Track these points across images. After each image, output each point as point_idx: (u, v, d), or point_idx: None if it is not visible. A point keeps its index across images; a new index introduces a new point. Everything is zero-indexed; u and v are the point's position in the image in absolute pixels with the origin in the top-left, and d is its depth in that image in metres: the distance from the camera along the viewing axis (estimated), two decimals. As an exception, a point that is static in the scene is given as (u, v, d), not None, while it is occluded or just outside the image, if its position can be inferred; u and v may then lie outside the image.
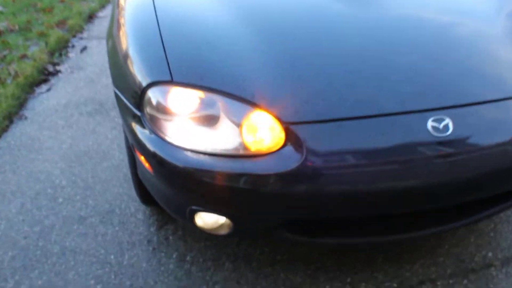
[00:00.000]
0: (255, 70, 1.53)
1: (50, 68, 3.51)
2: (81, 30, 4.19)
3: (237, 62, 1.56)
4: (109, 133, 2.79)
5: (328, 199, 1.44)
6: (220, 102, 1.46)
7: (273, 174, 1.41)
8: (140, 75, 1.57)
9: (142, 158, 1.63)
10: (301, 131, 1.42)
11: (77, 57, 3.75)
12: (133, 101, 1.60)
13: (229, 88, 1.48)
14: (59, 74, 3.48)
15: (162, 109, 1.50)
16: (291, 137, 1.43)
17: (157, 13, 1.76)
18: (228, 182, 1.44)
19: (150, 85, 1.53)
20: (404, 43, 1.69)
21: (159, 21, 1.70)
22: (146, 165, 1.61)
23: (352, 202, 1.45)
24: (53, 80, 3.40)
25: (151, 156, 1.51)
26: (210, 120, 1.48)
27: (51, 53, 3.71)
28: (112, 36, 1.93)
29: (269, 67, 1.54)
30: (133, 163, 1.92)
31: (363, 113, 1.45)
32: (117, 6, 2.05)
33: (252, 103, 1.45)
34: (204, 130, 1.47)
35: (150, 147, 1.52)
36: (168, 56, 1.56)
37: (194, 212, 1.59)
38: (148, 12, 1.78)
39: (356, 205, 1.47)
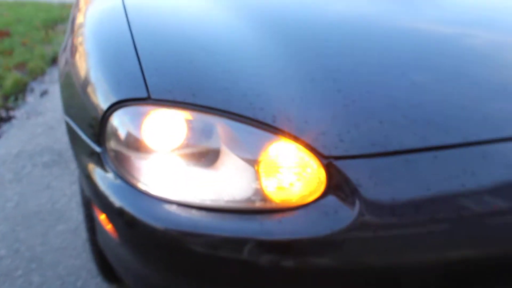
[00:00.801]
0: (275, 83, 1.04)
1: (3, 114, 2.98)
2: (42, 73, 3.70)
3: (247, 73, 1.06)
4: (68, 188, 2.25)
5: (406, 276, 0.93)
6: (221, 127, 0.96)
7: (309, 238, 0.89)
8: (103, 95, 1.06)
9: (102, 217, 1.09)
10: (353, 170, 0.91)
11: (36, 102, 3.24)
12: (91, 132, 1.08)
13: (236, 107, 0.98)
14: (13, 120, 2.95)
15: (133, 141, 1.00)
16: (336, 179, 0.92)
17: (129, 20, 1.27)
18: (238, 254, 0.92)
19: (116, 106, 1.02)
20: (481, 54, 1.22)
21: (132, 28, 1.22)
22: (108, 227, 1.07)
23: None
24: (4, 127, 2.86)
25: (116, 213, 0.99)
26: (207, 156, 0.96)
27: (6, 97, 3.19)
28: (65, 63, 1.41)
29: (295, 79, 1.05)
30: (92, 225, 1.36)
31: (444, 141, 0.96)
32: (71, 29, 1.54)
33: (273, 129, 0.95)
34: (199, 172, 0.96)
35: (114, 199, 1.00)
36: (143, 67, 1.06)
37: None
38: (117, 20, 1.29)
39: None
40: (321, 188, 0.94)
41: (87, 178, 1.10)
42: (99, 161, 1.06)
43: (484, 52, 1.24)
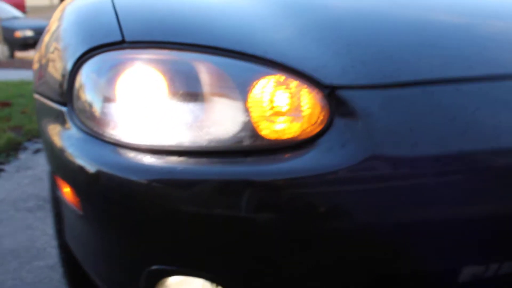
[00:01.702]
0: (268, 27, 0.93)
1: (-8, 167, 2.86)
2: (38, 135, 3.61)
3: (236, 18, 0.96)
4: (50, 229, 2.07)
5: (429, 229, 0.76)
6: (206, 65, 0.83)
7: (313, 176, 0.74)
8: (72, 49, 0.95)
9: (66, 189, 0.93)
10: (361, 100, 0.78)
11: (28, 158, 3.13)
12: (58, 93, 0.95)
13: (223, 43, 0.86)
14: (1, 173, 2.82)
15: (105, 90, 0.86)
16: (341, 112, 0.78)
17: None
18: (229, 207, 0.76)
19: (85, 58, 0.90)
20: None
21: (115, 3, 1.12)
22: (72, 199, 0.91)
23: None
24: (-9, 179, 2.72)
25: (80, 174, 0.83)
26: (190, 100, 0.83)
27: (-2, 154, 3.09)
28: (37, 50, 1.32)
29: (291, 27, 0.94)
30: (60, 227, 1.18)
31: (467, 73, 0.83)
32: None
33: (265, 61, 0.82)
34: (181, 113, 0.82)
35: (79, 153, 0.84)
36: (119, 15, 0.96)
37: (156, 277, 0.85)
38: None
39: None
40: (323, 121, 0.80)
41: (51, 145, 0.96)
42: (64, 121, 0.93)
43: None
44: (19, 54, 10.55)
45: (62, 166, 0.91)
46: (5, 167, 2.94)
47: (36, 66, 1.24)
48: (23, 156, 3.19)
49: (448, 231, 0.81)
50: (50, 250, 1.88)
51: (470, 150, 0.79)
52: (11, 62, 8.86)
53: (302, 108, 0.82)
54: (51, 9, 28.67)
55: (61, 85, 0.96)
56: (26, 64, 8.49)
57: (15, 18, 11.25)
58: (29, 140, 3.52)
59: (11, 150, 3.24)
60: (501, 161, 0.81)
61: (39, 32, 10.45)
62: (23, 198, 2.44)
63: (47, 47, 1.14)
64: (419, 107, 0.80)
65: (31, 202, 2.39)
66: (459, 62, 0.88)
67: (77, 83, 0.92)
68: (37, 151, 3.27)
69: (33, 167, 2.95)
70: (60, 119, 0.94)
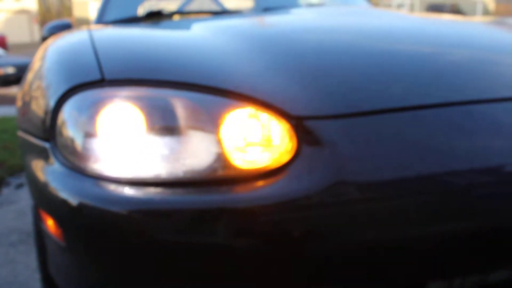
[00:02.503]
0: (238, 63, 0.99)
1: (-27, 203, 2.85)
2: (21, 170, 3.62)
3: (206, 57, 1.02)
4: (33, 263, 2.08)
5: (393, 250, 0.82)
6: (180, 101, 0.89)
7: (281, 203, 0.79)
8: (55, 87, 1.00)
9: (50, 222, 0.97)
10: (326, 130, 0.84)
11: (10, 193, 3.14)
12: (41, 129, 1.00)
13: (196, 79, 0.92)
14: (-17, 209, 2.82)
15: (86, 126, 0.91)
16: (307, 141, 0.84)
17: (95, 43, 1.23)
18: (206, 235, 0.81)
19: (67, 96, 0.96)
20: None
21: (95, 41, 1.18)
22: (55, 231, 0.95)
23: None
24: (-27, 215, 2.71)
25: (63, 206, 0.88)
26: (166, 134, 0.88)
27: (-21, 190, 3.09)
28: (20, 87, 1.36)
29: (259, 61, 1.00)
30: (44, 258, 1.21)
31: (425, 100, 0.90)
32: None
33: (236, 95, 0.88)
34: (159, 146, 0.88)
35: (62, 187, 0.89)
36: (99, 56, 1.01)
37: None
38: (80, 42, 1.23)
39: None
40: (291, 151, 0.85)
41: (35, 179, 1.00)
42: (47, 156, 0.97)
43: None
44: (0, 90, 10.54)
45: (45, 199, 0.96)
46: (-13, 202, 2.95)
47: (19, 103, 1.28)
48: (6, 191, 3.20)
49: (411, 249, 0.86)
50: (33, 284, 1.89)
51: (428, 174, 0.85)
52: (-7, 98, 8.83)
53: (272, 139, 0.88)
54: (32, 46, 28.80)
55: (44, 122, 1.01)
56: (7, 101, 8.48)
57: (-3, 55, 11.30)
58: (11, 175, 3.52)
59: (-6, 185, 3.25)
60: (457, 182, 0.87)
61: (21, 69, 10.47)
62: (5, 233, 2.44)
63: (30, 85, 1.19)
64: (380, 134, 0.87)
65: (14, 236, 2.39)
66: (417, 90, 0.95)
67: (59, 120, 0.96)
68: (19, 185, 3.28)
69: (15, 202, 2.96)
70: (43, 154, 0.98)
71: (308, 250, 0.85)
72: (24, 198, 3.02)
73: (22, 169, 3.71)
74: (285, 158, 0.86)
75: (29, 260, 2.11)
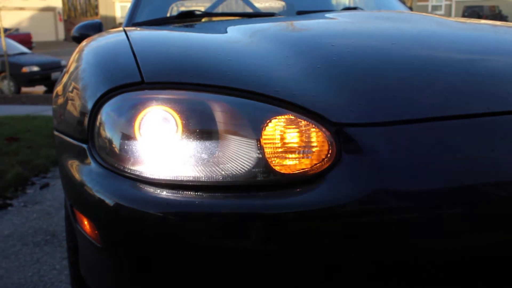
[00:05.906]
0: (278, 68, 0.98)
1: None
2: (45, 170, 3.66)
3: (247, 61, 1.01)
4: (58, 263, 2.10)
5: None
6: (220, 105, 0.88)
7: (321, 209, 0.78)
8: (91, 88, 1.00)
9: (85, 222, 0.97)
10: (366, 137, 0.83)
11: (35, 193, 3.16)
12: (79, 131, 1.00)
13: (236, 84, 0.91)
14: (9, 208, 2.85)
15: (125, 128, 0.91)
16: (348, 148, 0.83)
17: (131, 40, 1.22)
18: (243, 239, 0.80)
19: (106, 98, 0.96)
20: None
21: (131, 39, 1.18)
22: (90, 232, 0.95)
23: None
24: (-1, 213, 2.75)
25: (100, 207, 0.87)
26: (206, 135, 0.88)
27: (5, 188, 3.12)
28: (57, 83, 1.37)
29: (299, 66, 0.99)
30: (75, 256, 1.21)
31: (466, 109, 0.88)
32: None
33: (276, 100, 0.87)
34: (198, 150, 0.87)
35: (99, 188, 0.88)
36: (137, 55, 1.01)
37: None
38: (118, 42, 1.24)
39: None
40: (332, 157, 0.84)
41: (71, 180, 1.00)
42: (84, 157, 0.97)
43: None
44: (25, 89, 10.71)
45: (82, 200, 0.96)
46: (13, 201, 2.98)
47: (55, 105, 1.29)
48: (30, 191, 3.23)
49: (449, 260, 0.84)
50: (58, 285, 1.90)
51: (470, 184, 0.83)
52: (17, 98, 8.98)
53: (312, 145, 0.87)
54: (57, 44, 29.17)
55: (81, 123, 1.01)
56: (32, 100, 8.61)
57: (22, 54, 11.45)
58: (36, 175, 3.55)
59: (19, 185, 3.28)
60: (501, 193, 0.85)
61: (45, 67, 10.61)
62: (30, 233, 2.46)
63: (67, 86, 1.20)
64: (421, 143, 0.85)
65: (39, 237, 2.41)
66: (458, 99, 0.94)
67: (97, 122, 0.97)
68: (44, 186, 3.31)
69: (41, 202, 2.98)
70: (80, 155, 0.99)
71: (346, 259, 0.84)
72: (48, 199, 3.04)
73: (47, 169, 3.74)
74: (325, 165, 0.84)
75: (55, 261, 2.12)
